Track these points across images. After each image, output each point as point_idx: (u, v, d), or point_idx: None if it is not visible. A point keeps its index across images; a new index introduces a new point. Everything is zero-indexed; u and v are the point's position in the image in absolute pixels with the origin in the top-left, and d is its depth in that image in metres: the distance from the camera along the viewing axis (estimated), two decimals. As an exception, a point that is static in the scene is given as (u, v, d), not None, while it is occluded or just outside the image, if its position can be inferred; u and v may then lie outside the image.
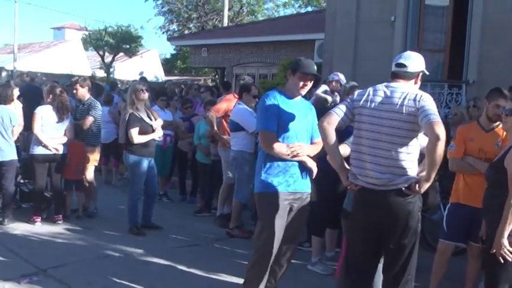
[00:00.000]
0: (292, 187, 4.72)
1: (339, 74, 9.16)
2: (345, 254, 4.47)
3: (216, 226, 8.16)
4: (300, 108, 4.79)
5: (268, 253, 4.71)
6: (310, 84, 4.77)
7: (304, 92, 4.78)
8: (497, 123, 4.93)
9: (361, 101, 4.11)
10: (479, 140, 5.12)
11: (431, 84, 11.14)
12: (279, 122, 4.66)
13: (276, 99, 4.70)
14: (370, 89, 4.16)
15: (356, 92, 4.26)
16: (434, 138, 3.69)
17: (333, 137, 4.08)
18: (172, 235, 7.57)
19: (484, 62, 10.63)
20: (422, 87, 4.13)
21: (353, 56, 12.13)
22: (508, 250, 4.00)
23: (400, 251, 4.09)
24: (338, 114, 4.11)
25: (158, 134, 7.75)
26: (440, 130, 3.70)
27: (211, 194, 9.22)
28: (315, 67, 4.77)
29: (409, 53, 4.31)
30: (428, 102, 3.91)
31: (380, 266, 4.34)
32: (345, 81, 8.71)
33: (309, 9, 34.33)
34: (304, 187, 4.82)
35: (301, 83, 4.71)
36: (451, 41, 11.43)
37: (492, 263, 4.15)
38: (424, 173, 3.92)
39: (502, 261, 4.05)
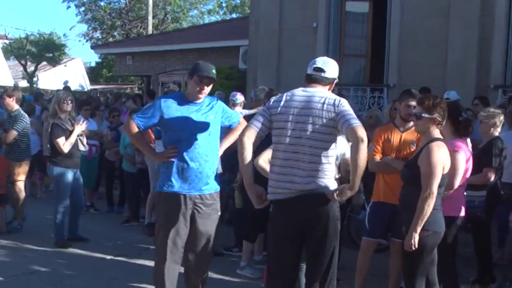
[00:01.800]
0: (188, 189, 4.63)
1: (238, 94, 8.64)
2: (268, 259, 4.50)
3: (145, 235, 8.09)
4: (198, 110, 4.67)
5: (161, 255, 4.67)
6: (208, 88, 4.67)
7: (202, 95, 4.67)
8: (412, 123, 5.11)
9: (279, 108, 4.10)
10: (396, 140, 5.31)
11: (354, 88, 11.49)
12: (170, 127, 4.66)
13: (166, 102, 4.67)
14: (287, 95, 4.16)
15: (272, 99, 4.26)
16: (358, 141, 3.76)
17: (249, 152, 4.03)
18: (100, 246, 7.45)
19: (403, 66, 11.05)
20: (345, 91, 4.25)
21: (277, 63, 12.33)
22: (414, 244, 4.18)
23: (323, 254, 4.11)
24: (256, 126, 4.08)
25: (82, 128, 7.56)
26: (363, 133, 3.79)
27: (138, 203, 9.16)
28: (214, 70, 4.65)
29: (326, 58, 4.35)
30: (347, 107, 3.98)
31: (304, 268, 4.42)
32: (241, 99, 8.49)
33: (234, 16, 34.51)
34: (205, 189, 4.69)
35: (198, 88, 4.62)
36: (371, 46, 11.82)
37: (409, 257, 4.33)
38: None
39: (419, 255, 4.25)
